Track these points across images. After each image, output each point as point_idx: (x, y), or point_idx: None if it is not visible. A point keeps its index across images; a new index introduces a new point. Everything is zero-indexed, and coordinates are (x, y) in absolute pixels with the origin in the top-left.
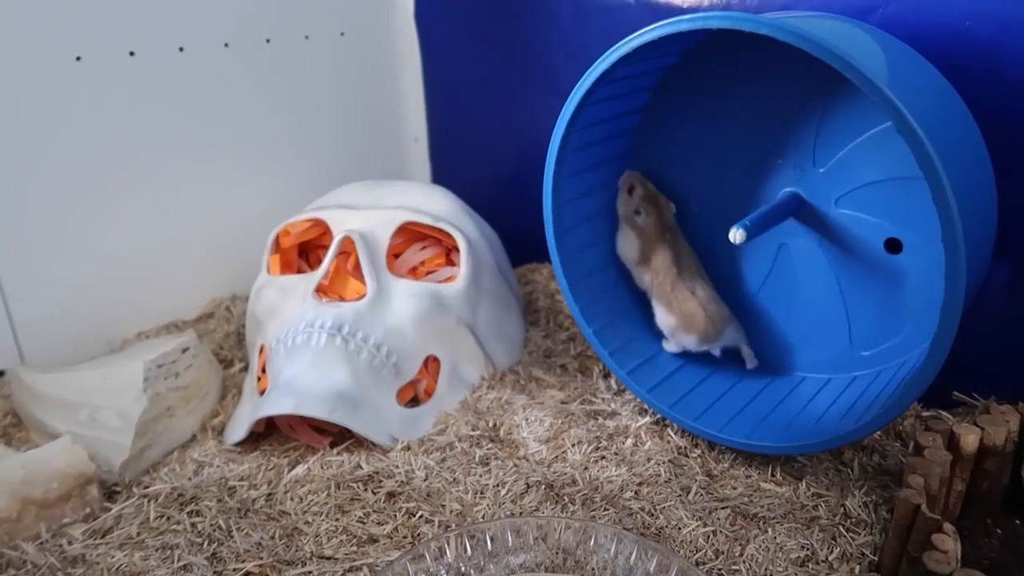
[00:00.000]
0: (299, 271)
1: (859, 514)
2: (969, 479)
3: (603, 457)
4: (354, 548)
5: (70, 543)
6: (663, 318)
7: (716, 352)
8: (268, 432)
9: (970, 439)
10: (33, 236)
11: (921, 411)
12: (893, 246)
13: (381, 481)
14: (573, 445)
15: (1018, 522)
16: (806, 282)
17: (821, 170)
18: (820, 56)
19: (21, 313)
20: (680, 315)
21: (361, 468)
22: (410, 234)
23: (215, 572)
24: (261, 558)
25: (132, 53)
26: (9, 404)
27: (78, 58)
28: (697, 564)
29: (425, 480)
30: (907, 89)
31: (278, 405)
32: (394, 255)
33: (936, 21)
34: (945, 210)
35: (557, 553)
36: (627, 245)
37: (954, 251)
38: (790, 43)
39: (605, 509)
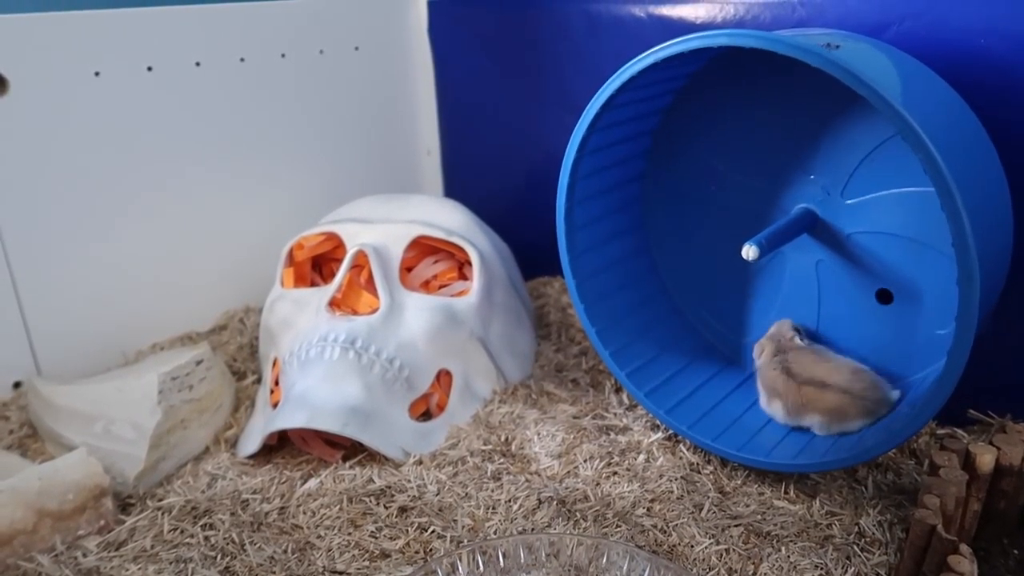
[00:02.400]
0: (312, 284)
1: (874, 533)
2: (985, 499)
3: (615, 473)
4: (366, 563)
5: (85, 555)
6: (819, 422)
7: (895, 395)
8: (281, 445)
9: (986, 458)
10: (50, 249)
11: (936, 429)
12: (884, 296)
13: (393, 495)
14: (585, 460)
15: None
16: (858, 290)
17: (849, 202)
18: (832, 73)
19: (38, 325)
20: (831, 415)
21: (373, 482)
22: (423, 248)
23: None
24: (274, 572)
25: (150, 68)
26: (25, 415)
27: (97, 73)
28: None
29: (437, 495)
30: (921, 106)
31: (291, 418)
32: (407, 269)
33: (950, 39)
34: (957, 225)
35: (569, 570)
36: (759, 386)
37: (967, 266)
38: (802, 60)
39: (617, 526)
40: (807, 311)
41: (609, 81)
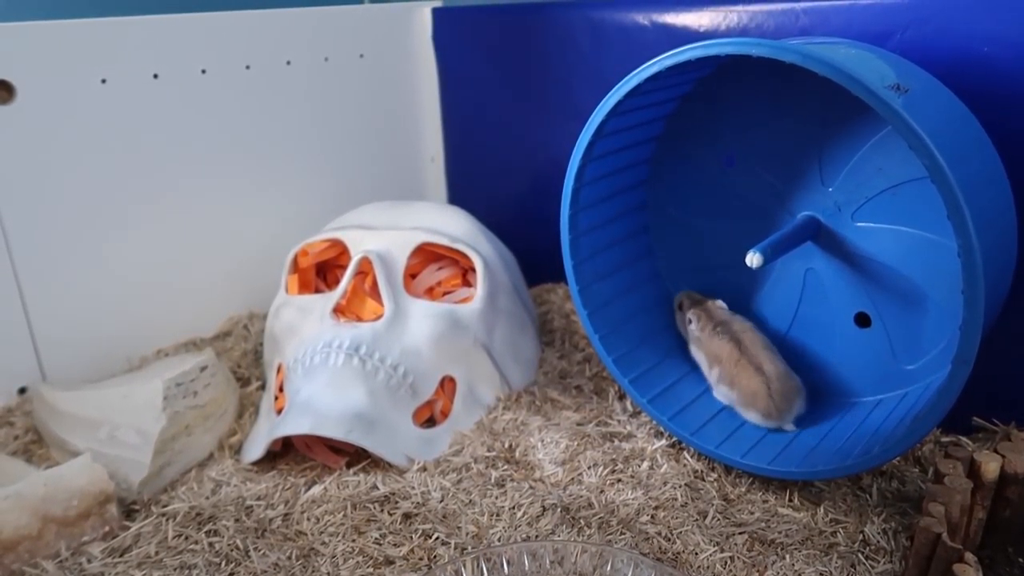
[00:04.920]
0: (317, 291)
1: (878, 541)
2: (990, 507)
3: (619, 480)
4: (370, 570)
5: (89, 561)
6: (725, 393)
7: (788, 427)
8: (285, 451)
9: (991, 466)
10: (55, 254)
11: (940, 437)
12: (862, 320)
13: (397, 502)
14: (589, 467)
15: None
16: (839, 306)
17: (859, 224)
18: (839, 81)
19: (43, 330)
20: (741, 392)
21: (377, 489)
22: (427, 254)
23: None
24: None
25: (156, 75)
26: (30, 421)
27: (103, 81)
28: None
29: (441, 501)
30: (924, 113)
31: (296, 425)
32: (411, 275)
33: (954, 47)
34: (964, 233)
35: None
36: (698, 356)
37: (972, 272)
38: (807, 68)
39: (621, 533)
40: (783, 313)
41: (617, 87)
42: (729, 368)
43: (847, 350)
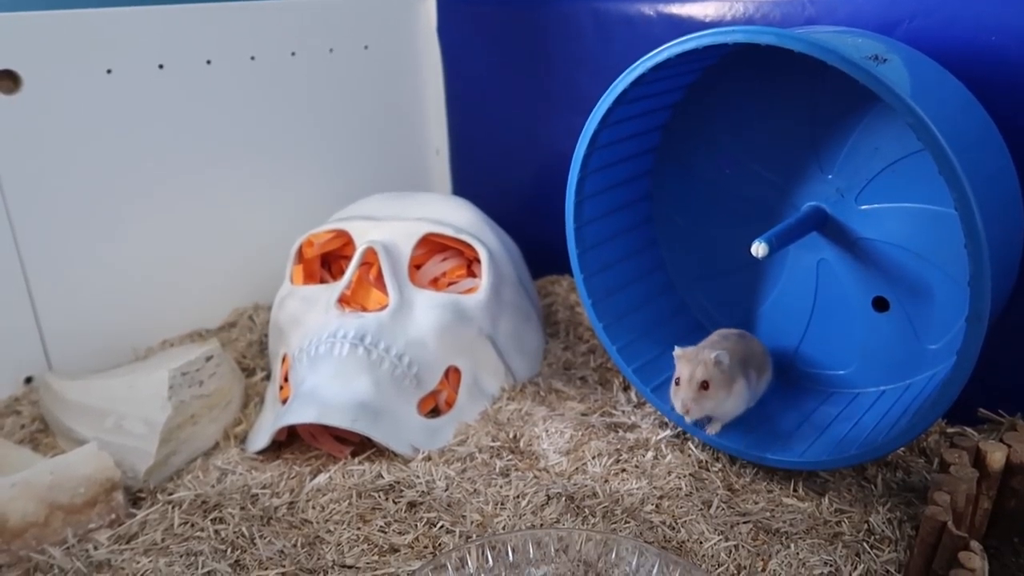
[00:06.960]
0: (322, 281)
1: (883, 531)
2: (995, 497)
3: (623, 470)
4: (375, 557)
5: (96, 548)
6: (768, 376)
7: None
8: (290, 440)
9: (996, 456)
10: (61, 245)
11: (946, 427)
12: (881, 305)
13: (402, 491)
14: (593, 457)
15: None
16: (855, 293)
17: (862, 207)
18: (843, 68)
19: (49, 320)
20: (770, 360)
21: (382, 477)
22: (432, 245)
23: None
24: (283, 566)
25: (161, 66)
26: (37, 410)
27: (108, 71)
28: None
29: (446, 490)
30: (931, 101)
31: (301, 414)
32: (416, 266)
33: (961, 36)
34: (969, 219)
35: (578, 565)
36: (743, 383)
37: (979, 261)
38: (811, 55)
39: (626, 522)
40: (800, 307)
41: (622, 76)
42: (755, 354)
43: (870, 338)
